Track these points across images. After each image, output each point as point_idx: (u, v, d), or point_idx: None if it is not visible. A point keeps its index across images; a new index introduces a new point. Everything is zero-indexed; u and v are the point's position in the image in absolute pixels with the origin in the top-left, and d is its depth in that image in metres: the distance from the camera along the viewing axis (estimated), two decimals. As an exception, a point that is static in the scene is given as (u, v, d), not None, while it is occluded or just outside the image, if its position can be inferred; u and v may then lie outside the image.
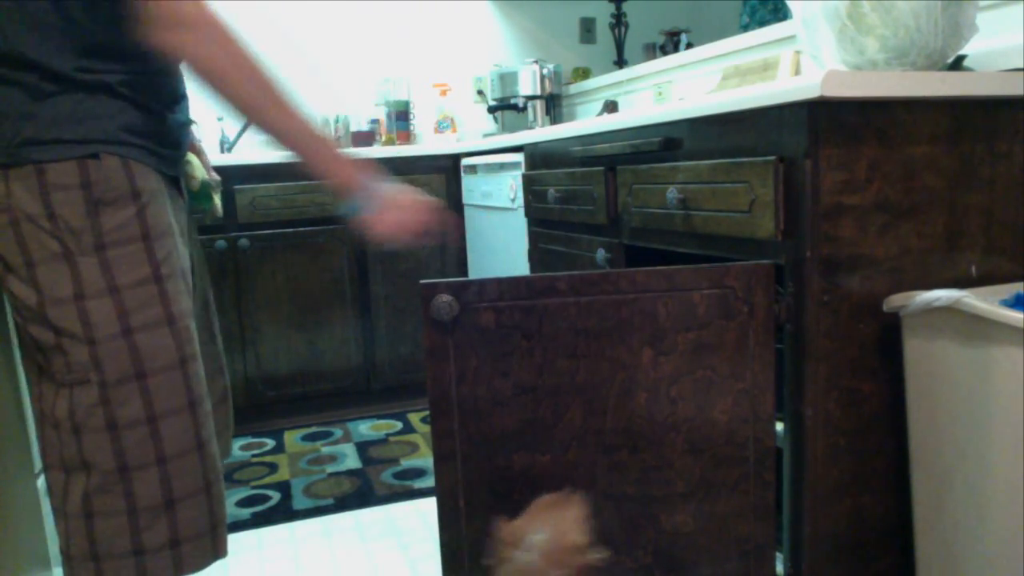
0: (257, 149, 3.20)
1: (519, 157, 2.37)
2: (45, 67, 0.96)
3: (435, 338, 1.30)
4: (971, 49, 1.31)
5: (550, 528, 1.03)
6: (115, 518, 1.02)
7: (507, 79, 3.32)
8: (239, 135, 3.21)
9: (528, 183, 2.24)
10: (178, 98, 1.15)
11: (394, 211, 1.17)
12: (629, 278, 1.24)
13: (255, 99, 1.05)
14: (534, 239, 2.27)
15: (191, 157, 1.34)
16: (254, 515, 2.15)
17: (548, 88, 3.30)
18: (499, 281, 1.29)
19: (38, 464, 1.45)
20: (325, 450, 2.63)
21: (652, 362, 1.26)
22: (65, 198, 0.98)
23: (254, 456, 2.62)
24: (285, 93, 1.08)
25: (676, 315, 1.24)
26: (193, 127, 1.40)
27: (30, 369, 1.08)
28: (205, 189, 1.37)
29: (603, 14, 3.63)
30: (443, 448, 1.35)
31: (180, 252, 1.10)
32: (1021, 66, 1.27)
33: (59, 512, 1.05)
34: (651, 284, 1.23)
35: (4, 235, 0.99)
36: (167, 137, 1.10)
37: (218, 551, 1.10)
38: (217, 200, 1.42)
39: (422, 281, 1.26)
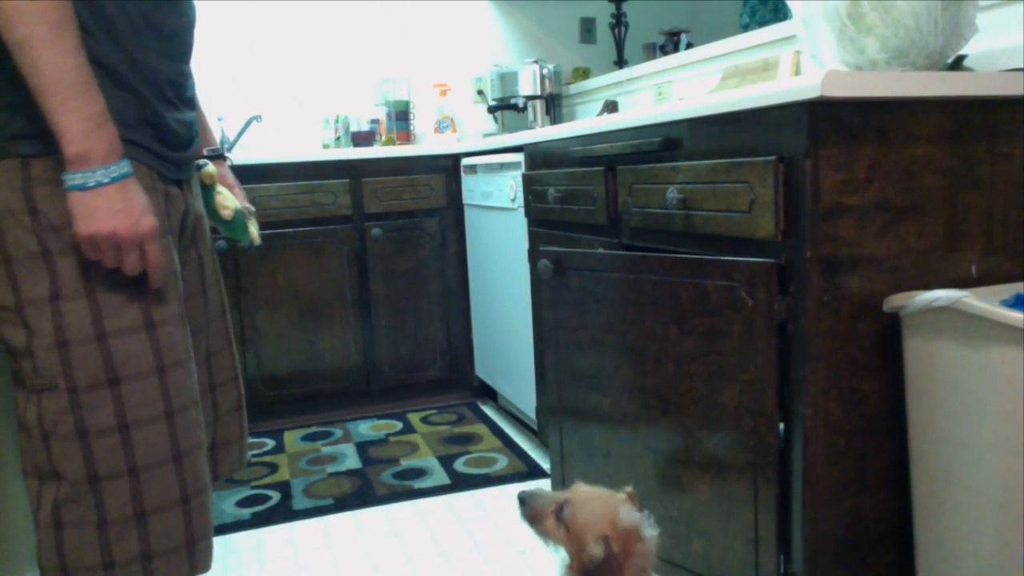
0: (257, 149, 3.20)
1: (519, 157, 2.36)
2: None
3: (541, 292, 1.77)
4: (971, 49, 1.31)
5: (627, 508, 1.10)
6: (84, 529, 0.99)
7: (507, 79, 3.32)
8: (239, 135, 3.21)
9: (528, 183, 2.24)
10: (183, 97, 1.12)
11: (115, 213, 0.93)
12: (660, 262, 1.44)
13: (31, 24, 0.87)
14: (534, 239, 2.27)
15: (222, 189, 1.34)
16: (254, 515, 2.15)
17: (548, 88, 3.30)
18: (581, 253, 1.67)
19: (38, 464, 1.44)
20: (325, 450, 2.63)
21: (677, 338, 1.42)
22: (49, 193, 0.95)
23: (254, 456, 2.62)
24: (68, 26, 0.89)
25: (694, 300, 1.37)
26: (227, 164, 1.40)
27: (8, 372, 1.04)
28: (240, 219, 1.37)
29: (603, 14, 3.63)
30: (548, 376, 1.82)
31: (170, 254, 1.08)
32: (1021, 66, 1.27)
33: (34, 520, 1.02)
34: (676, 270, 1.41)
35: None
36: (166, 135, 1.07)
37: (196, 567, 1.06)
38: (253, 229, 1.43)
39: (540, 248, 1.73)
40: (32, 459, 1.01)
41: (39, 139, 0.94)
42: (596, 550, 1.05)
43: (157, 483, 1.01)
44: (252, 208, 1.44)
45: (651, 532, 1.09)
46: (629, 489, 1.14)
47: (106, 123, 0.92)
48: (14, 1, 0.86)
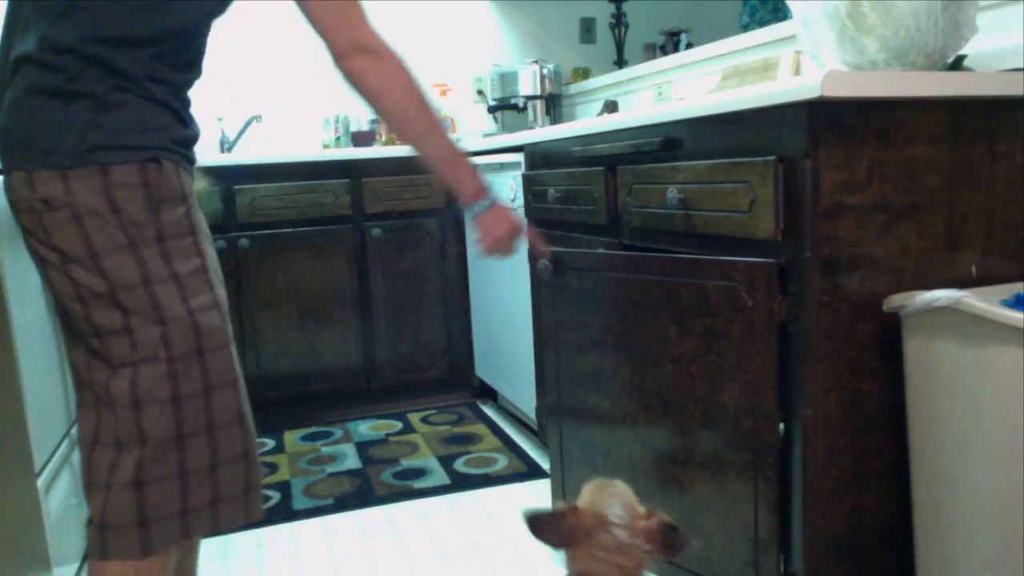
0: (257, 149, 3.20)
1: (519, 157, 2.37)
2: (122, 70, 1.06)
3: (540, 292, 1.80)
4: (971, 49, 1.31)
5: (621, 505, 1.11)
6: (167, 483, 1.11)
7: (507, 79, 3.32)
8: (239, 135, 3.21)
9: (528, 183, 2.24)
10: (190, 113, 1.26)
11: (503, 224, 1.33)
12: (661, 262, 1.44)
13: (412, 118, 1.23)
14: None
15: None
16: (254, 515, 2.15)
17: (548, 88, 3.30)
18: (580, 253, 1.69)
19: (38, 464, 1.45)
20: (325, 450, 2.63)
21: (677, 338, 1.42)
22: (128, 195, 1.07)
23: (254, 456, 2.62)
24: (434, 113, 1.25)
25: (695, 300, 1.37)
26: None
27: (79, 355, 1.14)
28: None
29: (603, 14, 3.63)
30: (547, 376, 1.83)
31: (213, 249, 1.23)
32: (1021, 66, 1.27)
33: (101, 486, 1.12)
34: (676, 270, 1.41)
35: (65, 229, 1.06)
36: (191, 144, 1.21)
37: (250, 513, 1.20)
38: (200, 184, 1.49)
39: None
40: (113, 429, 1.11)
41: (117, 151, 1.07)
42: (557, 504, 1.11)
43: (228, 439, 1.16)
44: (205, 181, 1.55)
45: (623, 534, 1.07)
46: (662, 516, 1.11)
47: (472, 165, 1.31)
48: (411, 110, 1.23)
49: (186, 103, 1.19)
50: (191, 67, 1.18)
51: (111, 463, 1.12)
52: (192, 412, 1.12)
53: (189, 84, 1.19)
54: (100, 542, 1.12)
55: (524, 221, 1.41)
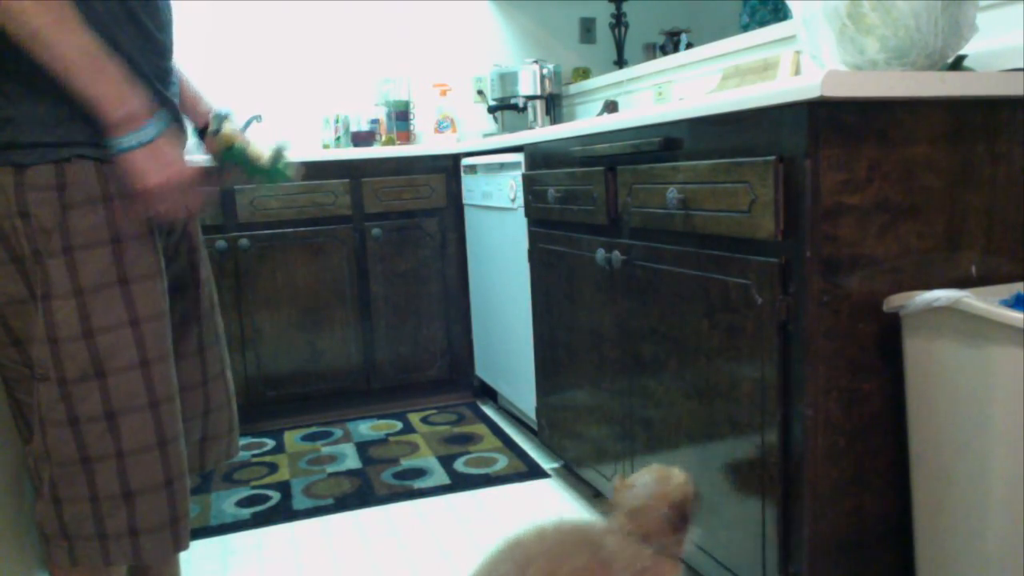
0: (257, 149, 3.20)
1: (519, 157, 2.36)
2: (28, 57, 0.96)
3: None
4: (971, 49, 1.31)
5: (654, 477, 1.23)
6: (80, 504, 1.07)
7: (507, 79, 3.32)
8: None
9: (528, 183, 2.24)
10: (163, 95, 1.14)
11: (166, 168, 1.01)
12: (687, 256, 1.47)
13: (40, 15, 0.92)
14: (534, 239, 2.27)
15: (248, 140, 1.32)
16: (254, 515, 2.15)
17: (548, 88, 3.30)
18: (635, 245, 1.67)
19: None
20: (325, 450, 2.63)
21: (707, 333, 1.42)
22: (40, 199, 1.00)
23: (254, 456, 2.62)
24: (69, 9, 0.95)
25: (721, 295, 1.37)
26: (233, 120, 1.39)
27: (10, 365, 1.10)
28: (280, 159, 1.34)
29: (603, 14, 3.63)
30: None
31: (158, 254, 1.11)
32: (1021, 66, 1.27)
33: (36, 493, 1.10)
34: (702, 265, 1.41)
35: None
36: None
37: (179, 545, 1.14)
38: (290, 164, 1.37)
39: (601, 238, 1.77)
40: (34, 439, 1.08)
41: (30, 149, 0.99)
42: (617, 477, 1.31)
43: (143, 466, 1.09)
44: (285, 143, 1.39)
45: (639, 497, 1.22)
46: (688, 487, 1.22)
47: (133, 82, 0.99)
48: (18, 1, 0.91)
49: (139, 78, 1.05)
50: (131, 21, 1.04)
51: (36, 473, 1.09)
52: (95, 436, 1.05)
53: (149, 49, 1.08)
54: (45, 548, 1.09)
55: (196, 171, 1.05)
